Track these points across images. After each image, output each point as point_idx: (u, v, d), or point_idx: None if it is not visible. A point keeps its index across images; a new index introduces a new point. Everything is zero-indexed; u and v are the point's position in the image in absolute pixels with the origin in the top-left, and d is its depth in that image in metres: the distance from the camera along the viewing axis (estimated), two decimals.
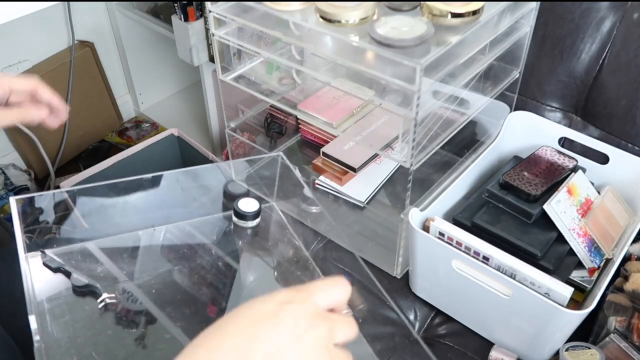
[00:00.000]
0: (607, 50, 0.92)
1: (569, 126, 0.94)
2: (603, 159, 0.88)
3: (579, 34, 0.92)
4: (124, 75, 1.77)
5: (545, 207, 0.77)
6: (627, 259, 0.76)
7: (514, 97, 0.98)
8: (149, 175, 0.81)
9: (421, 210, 0.79)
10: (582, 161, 0.89)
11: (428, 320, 0.86)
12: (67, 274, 0.71)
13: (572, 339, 0.72)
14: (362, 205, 0.95)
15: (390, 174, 0.98)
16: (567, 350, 0.69)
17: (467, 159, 0.94)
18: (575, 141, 0.90)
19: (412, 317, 0.86)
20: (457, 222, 0.81)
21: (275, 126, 1.09)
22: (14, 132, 1.53)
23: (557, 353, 0.73)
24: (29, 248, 0.74)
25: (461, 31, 0.72)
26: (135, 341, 0.66)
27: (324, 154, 0.98)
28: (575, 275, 0.78)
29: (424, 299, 0.87)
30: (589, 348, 0.69)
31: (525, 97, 0.99)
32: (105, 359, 0.64)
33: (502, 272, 0.71)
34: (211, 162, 1.32)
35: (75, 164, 1.69)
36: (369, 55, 0.72)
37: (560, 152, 0.88)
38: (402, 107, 0.72)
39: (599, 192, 0.84)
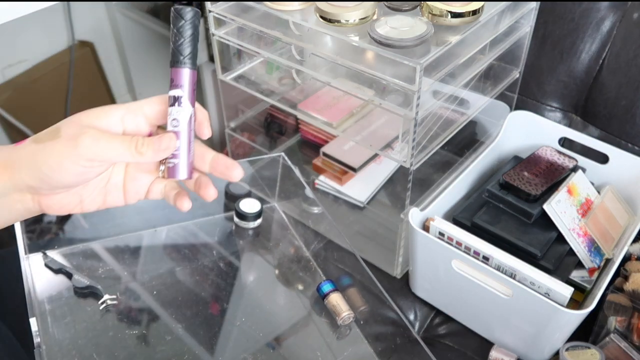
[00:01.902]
0: (607, 50, 0.92)
1: (569, 126, 0.94)
2: (603, 159, 0.88)
3: (579, 34, 0.93)
4: (124, 75, 1.77)
5: (545, 207, 0.77)
6: (627, 259, 0.77)
7: (514, 97, 0.98)
8: None
9: (421, 210, 0.80)
10: (582, 161, 0.89)
11: (428, 320, 0.86)
12: (69, 275, 0.71)
13: (572, 339, 0.72)
14: (362, 205, 0.95)
15: (390, 174, 0.98)
16: (567, 350, 0.69)
17: (467, 159, 0.95)
18: (575, 141, 0.90)
19: (412, 317, 0.86)
20: (457, 222, 0.81)
21: (275, 126, 1.09)
22: (13, 132, 1.53)
23: (557, 353, 0.73)
24: (30, 248, 0.74)
25: (461, 31, 0.72)
26: (136, 342, 0.66)
27: (324, 154, 0.98)
28: (575, 275, 0.78)
29: (424, 299, 0.87)
30: (589, 348, 0.69)
31: (525, 97, 0.99)
32: None
33: (502, 272, 0.71)
34: None
35: None
36: (369, 55, 0.73)
37: (560, 152, 0.89)
38: (402, 107, 0.72)
39: (599, 192, 0.85)
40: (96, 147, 0.42)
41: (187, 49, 0.45)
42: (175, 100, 0.45)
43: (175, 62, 0.45)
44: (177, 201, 0.47)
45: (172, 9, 0.44)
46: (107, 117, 0.44)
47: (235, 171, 0.47)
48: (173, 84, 0.45)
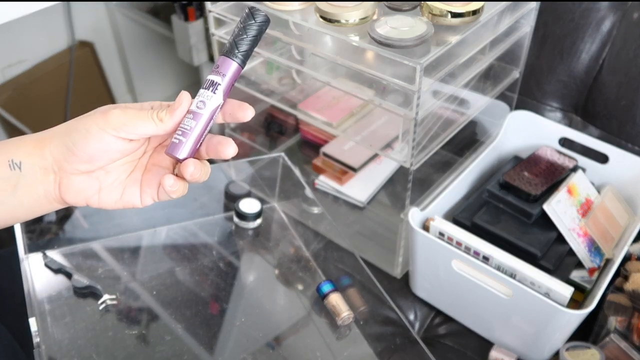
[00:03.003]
0: (607, 50, 0.92)
1: (569, 126, 0.94)
2: (603, 159, 0.88)
3: (579, 34, 0.93)
4: (124, 75, 1.77)
5: (545, 207, 0.77)
6: (627, 259, 0.76)
7: (514, 97, 0.98)
8: None
9: (421, 210, 0.80)
10: (582, 161, 0.89)
11: (428, 321, 0.86)
12: (68, 275, 0.71)
13: (572, 338, 0.72)
14: (362, 205, 0.95)
15: (390, 174, 0.98)
16: (567, 350, 0.69)
17: (467, 159, 0.95)
18: (575, 141, 0.90)
19: (412, 317, 0.86)
20: (457, 222, 0.81)
21: (275, 126, 1.09)
22: (13, 132, 1.53)
23: (557, 353, 0.73)
24: (30, 248, 0.74)
25: (461, 31, 0.72)
26: (135, 342, 0.66)
27: (324, 154, 0.98)
28: (575, 275, 0.78)
29: (424, 299, 0.87)
30: (589, 348, 0.69)
31: (525, 97, 0.99)
32: None
33: (502, 272, 0.71)
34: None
35: None
36: (369, 55, 0.73)
37: (560, 152, 0.88)
38: (402, 107, 0.72)
39: (599, 192, 0.84)
40: (124, 116, 0.44)
41: (244, 46, 0.45)
42: (210, 85, 0.45)
43: (227, 52, 0.45)
44: (161, 179, 0.46)
45: (247, 8, 0.45)
46: (140, 104, 0.47)
47: (227, 147, 0.46)
48: (216, 69, 0.45)
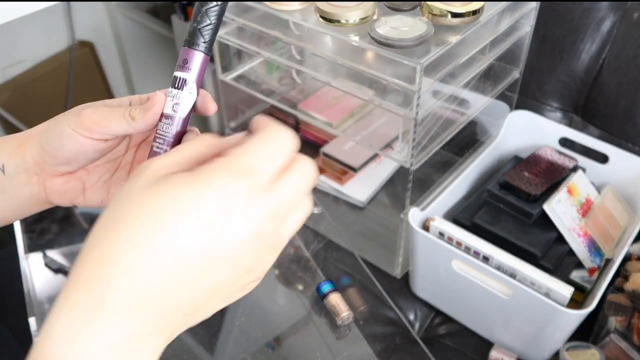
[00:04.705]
0: (607, 50, 0.92)
1: (569, 126, 0.94)
2: (603, 159, 0.88)
3: (579, 34, 0.93)
4: (124, 75, 1.77)
5: (545, 207, 0.77)
6: (627, 259, 0.76)
7: (514, 97, 0.98)
8: None
9: (421, 210, 0.80)
10: (582, 161, 0.89)
11: (428, 321, 0.86)
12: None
13: (572, 339, 0.72)
14: (362, 205, 0.95)
15: (391, 174, 0.98)
16: (567, 350, 0.69)
17: (467, 159, 0.94)
18: (575, 141, 0.90)
19: (412, 317, 0.86)
20: (457, 222, 0.81)
21: None
22: (12, 132, 1.53)
23: (557, 353, 0.73)
24: (30, 248, 0.74)
25: (461, 31, 0.72)
26: None
27: (324, 154, 0.98)
28: (575, 275, 0.78)
29: (424, 299, 0.87)
30: (589, 348, 0.69)
31: (525, 97, 0.99)
32: None
33: (502, 272, 0.71)
34: None
35: None
36: (369, 55, 0.73)
37: (560, 152, 0.88)
38: (402, 107, 0.72)
39: (599, 192, 0.84)
40: (95, 116, 0.42)
41: (205, 33, 0.43)
42: (181, 83, 0.43)
43: (189, 43, 0.43)
44: None
45: None
46: (119, 100, 0.45)
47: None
48: (182, 64, 0.43)
